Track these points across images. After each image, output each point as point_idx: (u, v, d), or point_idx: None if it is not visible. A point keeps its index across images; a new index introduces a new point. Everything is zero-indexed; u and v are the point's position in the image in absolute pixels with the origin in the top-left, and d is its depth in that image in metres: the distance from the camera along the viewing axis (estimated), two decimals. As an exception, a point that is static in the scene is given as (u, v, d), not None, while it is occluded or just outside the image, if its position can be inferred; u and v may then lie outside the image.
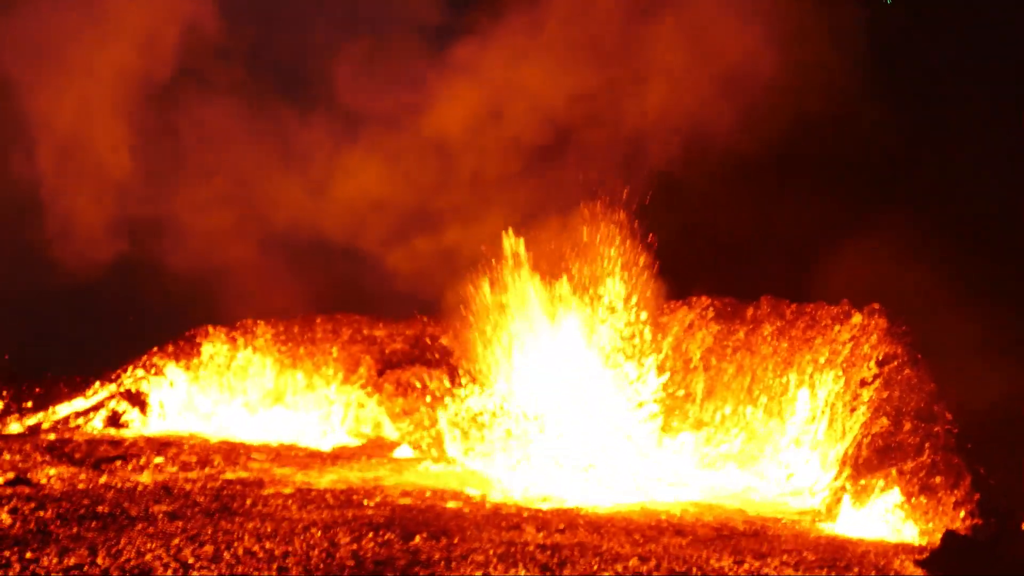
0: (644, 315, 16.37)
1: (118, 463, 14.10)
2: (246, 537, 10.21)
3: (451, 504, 12.57)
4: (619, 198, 16.67)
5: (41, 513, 10.96)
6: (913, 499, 11.93)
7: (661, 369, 16.44)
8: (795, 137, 17.55)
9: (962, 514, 11.45)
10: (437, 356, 17.87)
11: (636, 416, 15.65)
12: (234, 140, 19.52)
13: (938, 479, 11.94)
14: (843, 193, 17.62)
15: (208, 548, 9.78)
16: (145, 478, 13.33)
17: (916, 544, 11.28)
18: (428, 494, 13.16)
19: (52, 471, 13.33)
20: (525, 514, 12.07)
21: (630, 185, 16.75)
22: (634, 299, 16.44)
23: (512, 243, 16.61)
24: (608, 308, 16.37)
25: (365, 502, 12.37)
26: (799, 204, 17.42)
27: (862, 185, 17.72)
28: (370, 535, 10.43)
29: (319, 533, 10.45)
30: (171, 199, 19.57)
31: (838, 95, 17.29)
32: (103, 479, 13.10)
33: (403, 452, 16.43)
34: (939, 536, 10.76)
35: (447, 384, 16.55)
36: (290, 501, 12.27)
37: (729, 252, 18.09)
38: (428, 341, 18.43)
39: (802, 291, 16.55)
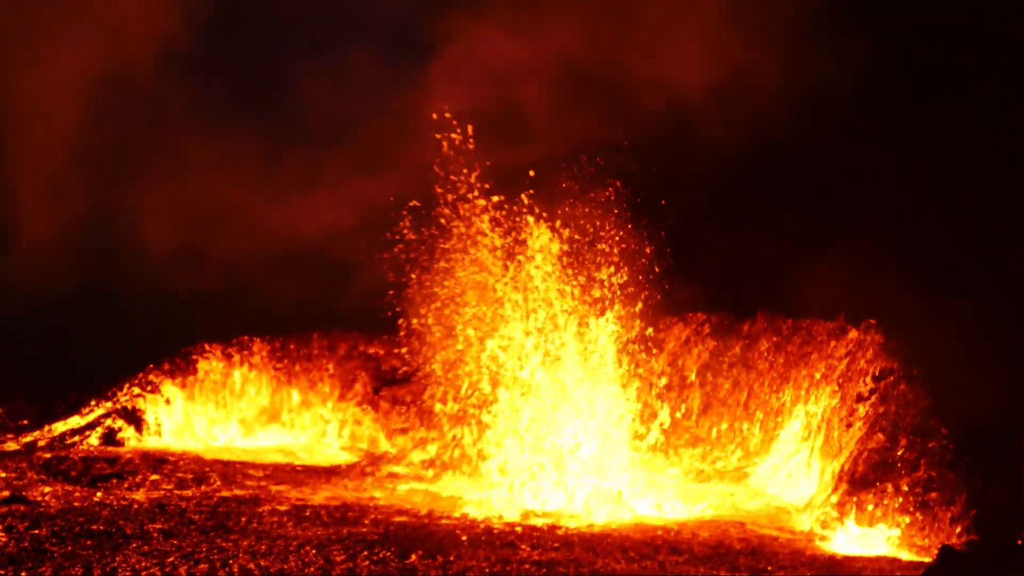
0: (650, 331, 15.24)
1: (113, 481, 14.10)
2: (241, 555, 10.19)
3: (446, 522, 12.55)
4: (614, 161, 14.39)
5: (36, 531, 10.95)
6: (909, 515, 11.92)
7: (660, 389, 16.24)
8: (785, 147, 17.54)
9: (958, 530, 11.44)
10: (434, 372, 17.78)
11: (633, 432, 15.56)
12: (221, 157, 19.59)
13: (934, 495, 11.94)
14: (834, 205, 17.60)
15: (203, 566, 9.76)
16: (140, 496, 13.31)
17: (912, 560, 11.26)
18: (423, 512, 13.14)
19: (47, 489, 13.31)
20: (520, 531, 12.06)
21: (628, 139, 14.79)
22: (638, 306, 14.91)
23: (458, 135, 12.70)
24: (604, 304, 14.24)
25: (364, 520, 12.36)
26: (788, 217, 17.37)
27: (853, 197, 17.70)
28: (365, 553, 10.41)
29: (314, 551, 10.43)
30: (161, 212, 19.63)
31: (831, 106, 17.32)
32: (98, 497, 13.08)
33: (399, 469, 16.40)
34: (935, 552, 10.74)
35: (437, 401, 16.23)
36: (285, 518, 12.26)
37: (718, 266, 17.98)
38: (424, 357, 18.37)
39: (794, 306, 16.47)
